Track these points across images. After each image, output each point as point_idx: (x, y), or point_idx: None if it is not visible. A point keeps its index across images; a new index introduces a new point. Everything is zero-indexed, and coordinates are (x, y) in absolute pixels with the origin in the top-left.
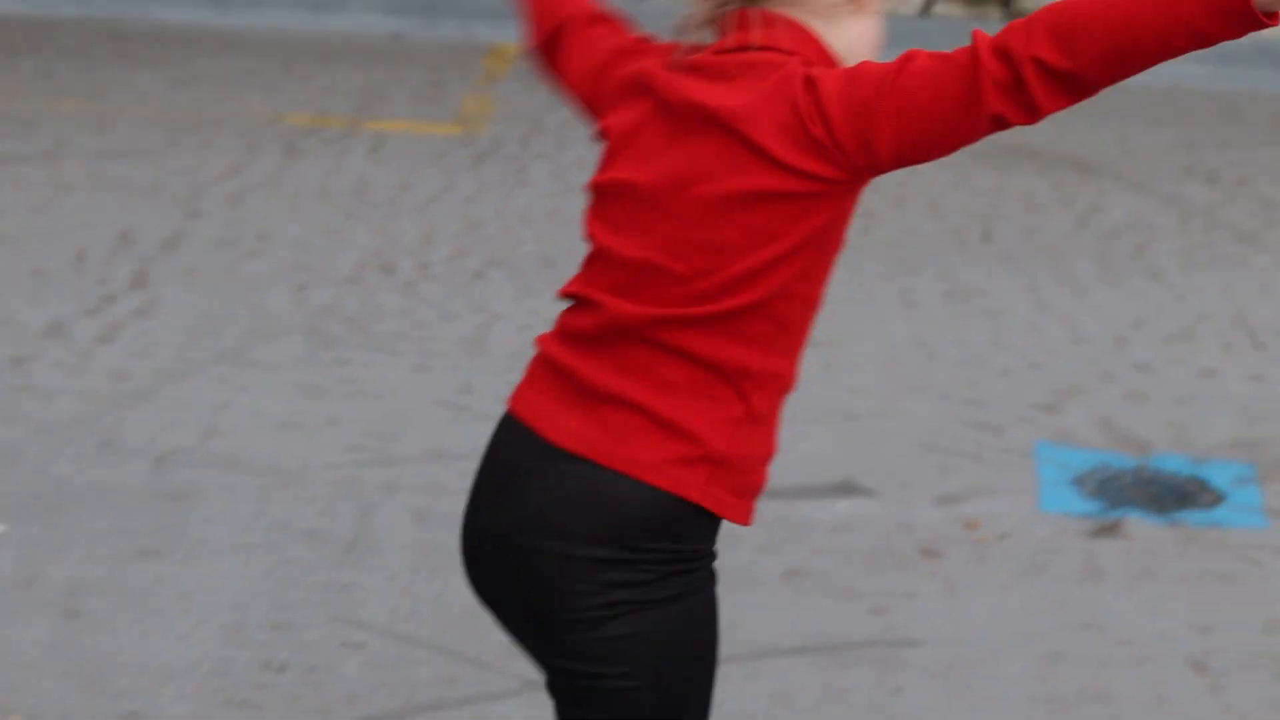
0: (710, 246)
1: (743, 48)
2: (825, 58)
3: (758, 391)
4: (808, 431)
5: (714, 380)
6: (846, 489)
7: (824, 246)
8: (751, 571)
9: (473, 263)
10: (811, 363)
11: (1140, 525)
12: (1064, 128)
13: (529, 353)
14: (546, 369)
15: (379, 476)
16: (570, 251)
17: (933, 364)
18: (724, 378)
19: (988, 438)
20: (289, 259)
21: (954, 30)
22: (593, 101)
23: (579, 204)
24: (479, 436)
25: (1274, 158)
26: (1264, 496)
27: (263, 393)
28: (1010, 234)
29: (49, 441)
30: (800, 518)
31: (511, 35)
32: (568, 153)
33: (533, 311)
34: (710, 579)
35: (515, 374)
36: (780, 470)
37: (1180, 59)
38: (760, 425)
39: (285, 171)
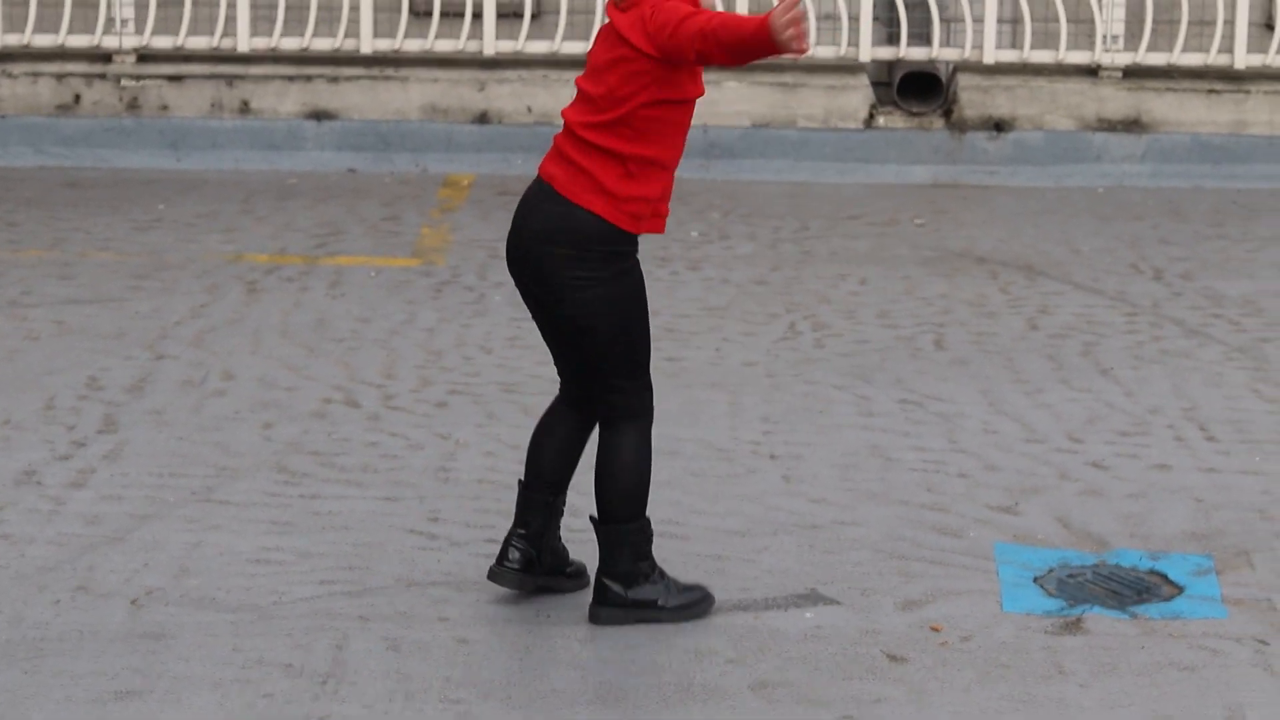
0: (607, 85)
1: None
2: None
3: (633, 164)
4: (771, 544)
5: (609, 158)
6: (812, 599)
7: (663, 91)
8: (721, 685)
9: (436, 392)
10: (771, 475)
11: (1101, 620)
12: (1010, 232)
13: (495, 479)
14: (553, 146)
15: (352, 607)
16: (531, 377)
17: (891, 471)
18: (615, 157)
19: (948, 541)
20: (254, 396)
21: (898, 141)
22: None
23: (536, 331)
24: (450, 564)
25: (1217, 251)
26: (1222, 586)
27: (234, 530)
28: (962, 339)
29: (25, 587)
30: (768, 629)
31: (464, 167)
32: None
33: (496, 438)
34: (635, 269)
35: (483, 500)
36: (745, 583)
37: (1121, 160)
38: (636, 180)
39: (247, 310)
